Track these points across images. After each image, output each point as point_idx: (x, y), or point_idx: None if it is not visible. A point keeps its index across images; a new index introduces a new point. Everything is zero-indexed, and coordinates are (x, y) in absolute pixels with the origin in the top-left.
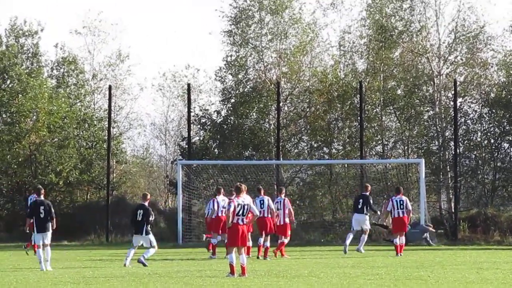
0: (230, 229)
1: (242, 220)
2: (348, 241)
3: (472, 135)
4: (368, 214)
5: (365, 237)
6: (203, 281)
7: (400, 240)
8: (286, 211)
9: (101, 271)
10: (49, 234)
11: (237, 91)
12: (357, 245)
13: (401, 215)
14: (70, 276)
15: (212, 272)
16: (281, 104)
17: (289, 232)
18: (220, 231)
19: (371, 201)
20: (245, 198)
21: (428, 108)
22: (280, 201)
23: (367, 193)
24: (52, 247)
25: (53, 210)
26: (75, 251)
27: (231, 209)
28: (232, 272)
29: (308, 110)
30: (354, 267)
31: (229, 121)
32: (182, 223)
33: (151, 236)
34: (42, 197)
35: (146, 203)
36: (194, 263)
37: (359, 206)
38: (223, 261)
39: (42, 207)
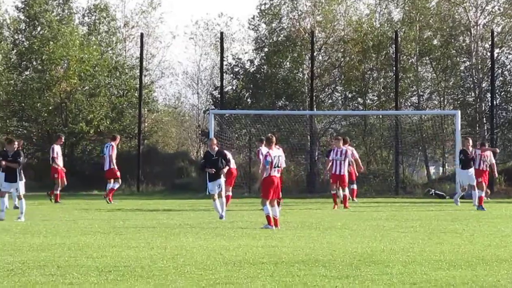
0: (266, 181)
1: (278, 172)
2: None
3: (509, 86)
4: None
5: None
6: (234, 232)
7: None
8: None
9: (132, 221)
10: (20, 184)
11: (270, 40)
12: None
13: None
14: (100, 226)
15: (244, 223)
16: (315, 54)
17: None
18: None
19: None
20: (277, 150)
21: (464, 59)
22: (341, 151)
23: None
24: (82, 196)
25: (19, 159)
26: (102, 201)
27: (269, 160)
28: (270, 223)
29: (342, 60)
30: (388, 220)
31: (262, 70)
32: None
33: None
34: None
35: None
36: (226, 214)
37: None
38: (254, 212)
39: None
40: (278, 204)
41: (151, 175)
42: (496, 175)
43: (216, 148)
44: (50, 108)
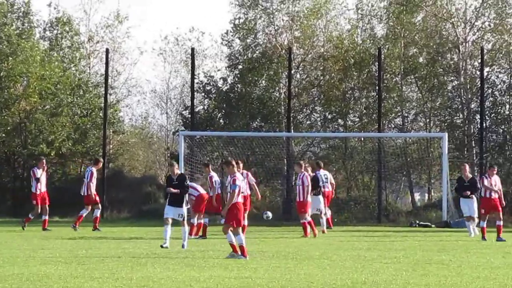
0: (233, 208)
1: (242, 198)
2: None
3: (499, 107)
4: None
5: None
6: (205, 262)
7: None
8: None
9: (95, 250)
10: None
11: (245, 57)
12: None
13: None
14: (61, 255)
15: (216, 252)
16: (292, 72)
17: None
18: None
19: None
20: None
21: (452, 78)
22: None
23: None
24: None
25: None
26: (68, 228)
27: (237, 188)
28: (235, 250)
29: (322, 78)
30: (369, 250)
31: (236, 89)
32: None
33: None
34: None
35: None
36: (197, 243)
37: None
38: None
39: None
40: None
41: (116, 200)
42: (504, 203)
43: (178, 172)
44: (9, 128)
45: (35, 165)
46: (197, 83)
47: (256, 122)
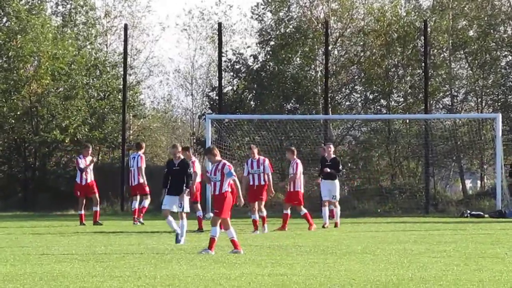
0: (223, 198)
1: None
2: None
3: None
4: None
5: None
6: (236, 258)
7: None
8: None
9: (115, 246)
10: None
11: (277, 32)
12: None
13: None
14: (78, 252)
15: (247, 247)
16: (330, 48)
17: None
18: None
19: None
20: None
21: (506, 53)
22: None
23: None
24: (56, 216)
25: None
26: (84, 222)
27: (233, 176)
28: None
29: (362, 54)
30: (416, 243)
31: (267, 67)
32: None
33: None
34: None
35: None
36: (225, 237)
37: None
38: (260, 235)
39: None
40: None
41: None
42: None
43: (181, 157)
44: (18, 113)
45: (80, 153)
46: (224, 61)
47: (290, 104)
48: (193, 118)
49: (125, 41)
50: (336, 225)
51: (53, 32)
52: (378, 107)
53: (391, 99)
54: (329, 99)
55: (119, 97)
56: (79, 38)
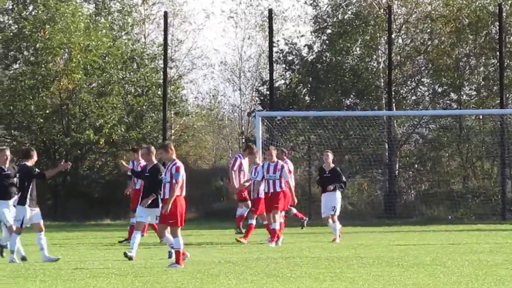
0: (175, 204)
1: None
2: None
3: None
4: None
5: None
6: (291, 271)
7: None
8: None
9: (156, 259)
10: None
11: (334, 19)
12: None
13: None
14: (115, 266)
15: (303, 259)
16: (393, 36)
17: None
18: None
19: None
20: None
21: None
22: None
23: None
24: (90, 226)
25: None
26: (121, 232)
27: (180, 178)
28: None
29: (429, 43)
30: (492, 253)
31: (324, 58)
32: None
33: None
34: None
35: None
36: (280, 248)
37: None
38: (317, 244)
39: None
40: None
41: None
42: None
43: (153, 161)
44: (47, 111)
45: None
46: (276, 52)
47: (350, 99)
48: (241, 116)
49: (165, 30)
50: (334, 240)
51: (85, 22)
52: (448, 101)
53: (462, 93)
54: (392, 93)
55: (159, 93)
56: (114, 27)
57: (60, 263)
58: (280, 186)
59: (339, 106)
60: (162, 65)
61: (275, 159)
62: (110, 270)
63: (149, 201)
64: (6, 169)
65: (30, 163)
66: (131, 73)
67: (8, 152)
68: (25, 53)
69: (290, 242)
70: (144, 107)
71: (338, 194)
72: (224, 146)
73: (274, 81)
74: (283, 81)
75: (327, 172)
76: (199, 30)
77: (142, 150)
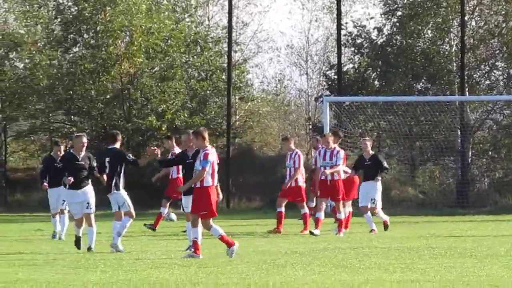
0: (203, 193)
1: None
2: None
3: None
4: None
5: None
6: (360, 262)
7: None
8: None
9: (220, 249)
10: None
11: (405, 1)
12: None
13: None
14: (178, 256)
15: (372, 250)
16: (466, 18)
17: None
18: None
19: None
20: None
21: None
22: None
23: None
24: (153, 215)
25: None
26: (183, 222)
27: (208, 165)
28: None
29: (504, 25)
30: None
31: (394, 41)
32: None
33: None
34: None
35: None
36: (348, 238)
37: None
38: (387, 234)
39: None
40: None
41: (245, 186)
42: None
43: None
44: (108, 96)
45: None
46: (344, 35)
47: (421, 84)
48: (308, 101)
49: (230, 12)
50: (372, 231)
51: (146, 3)
52: None
53: None
54: (465, 77)
55: (223, 77)
56: (177, 9)
57: (121, 253)
58: (338, 174)
59: (409, 91)
60: (226, 49)
61: (332, 145)
62: (173, 261)
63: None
64: (80, 159)
65: (119, 146)
66: (195, 57)
67: (85, 139)
68: (85, 36)
69: (359, 232)
70: (207, 92)
71: (378, 184)
72: (291, 132)
73: (342, 65)
74: (351, 65)
75: (367, 160)
76: (265, 12)
77: (183, 135)
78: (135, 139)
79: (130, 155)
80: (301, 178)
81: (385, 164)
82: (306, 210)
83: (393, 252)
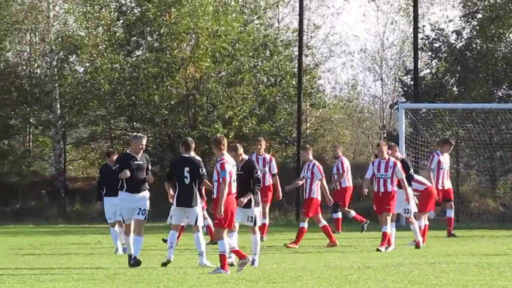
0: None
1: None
2: None
3: None
4: None
5: None
6: (435, 278)
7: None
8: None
9: (288, 263)
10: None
11: (485, 2)
12: None
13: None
14: (245, 271)
15: (449, 265)
16: None
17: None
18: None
19: None
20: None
21: None
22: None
23: None
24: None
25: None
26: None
27: (227, 175)
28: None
29: None
30: None
31: (474, 46)
32: None
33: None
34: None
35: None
36: (425, 253)
37: None
38: (462, 248)
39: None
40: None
41: None
42: None
43: (246, 157)
44: (172, 102)
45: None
46: (421, 38)
47: (502, 90)
48: (383, 108)
49: (301, 14)
50: (417, 246)
51: (213, 4)
52: None
53: None
54: None
55: (294, 82)
56: (245, 11)
57: (186, 268)
58: (392, 185)
59: (490, 97)
60: (297, 53)
61: (386, 155)
62: (240, 275)
63: (245, 201)
64: (138, 158)
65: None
66: (263, 61)
67: (144, 141)
68: (149, 38)
69: (436, 247)
70: (277, 98)
71: (409, 191)
72: (364, 141)
73: (419, 70)
74: (428, 70)
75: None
76: (338, 15)
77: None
78: (200, 147)
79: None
80: (315, 190)
81: (411, 171)
82: (324, 223)
83: (471, 268)
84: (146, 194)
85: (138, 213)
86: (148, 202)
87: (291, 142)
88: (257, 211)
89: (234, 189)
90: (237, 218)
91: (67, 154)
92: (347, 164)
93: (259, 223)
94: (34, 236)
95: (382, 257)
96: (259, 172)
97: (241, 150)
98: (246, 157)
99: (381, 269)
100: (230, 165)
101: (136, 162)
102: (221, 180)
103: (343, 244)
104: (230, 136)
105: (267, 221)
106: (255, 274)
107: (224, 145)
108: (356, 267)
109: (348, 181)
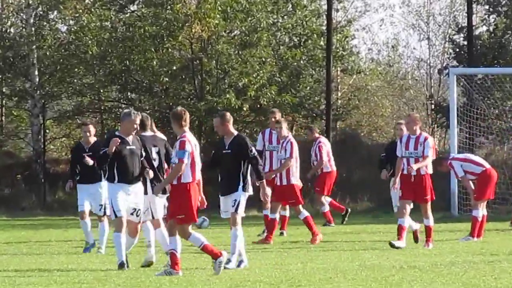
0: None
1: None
2: None
3: None
4: None
5: None
6: (495, 280)
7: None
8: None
9: (316, 262)
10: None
11: None
12: None
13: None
14: (264, 272)
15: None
16: None
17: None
18: None
19: None
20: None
21: None
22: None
23: None
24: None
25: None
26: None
27: (186, 156)
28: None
29: None
30: None
31: None
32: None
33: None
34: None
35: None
36: (481, 249)
37: None
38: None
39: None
40: None
41: (349, 182)
42: None
43: (234, 132)
44: (174, 68)
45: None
46: None
47: None
48: (430, 74)
49: None
50: (415, 238)
51: None
52: None
53: None
54: None
55: (321, 43)
56: None
57: (192, 267)
58: (426, 167)
59: None
60: (325, 7)
61: (418, 130)
62: (258, 277)
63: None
64: (131, 143)
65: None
66: (285, 17)
67: (138, 120)
68: None
69: (495, 242)
70: (301, 62)
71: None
72: (406, 112)
73: (473, 27)
74: (485, 28)
75: None
76: None
77: (214, 119)
78: (209, 122)
79: (253, 148)
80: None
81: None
82: (306, 214)
83: None
84: (140, 186)
85: (132, 214)
86: (143, 198)
87: (318, 115)
88: (245, 196)
89: (198, 175)
90: (222, 214)
91: (47, 131)
92: (326, 147)
93: (241, 211)
94: (8, 230)
95: (429, 255)
96: (253, 150)
97: (230, 120)
98: (235, 132)
99: (429, 269)
100: (192, 144)
101: (128, 147)
102: (176, 161)
103: (383, 238)
104: (245, 109)
105: (287, 213)
106: (276, 275)
107: (186, 121)
108: (398, 266)
109: (330, 165)
